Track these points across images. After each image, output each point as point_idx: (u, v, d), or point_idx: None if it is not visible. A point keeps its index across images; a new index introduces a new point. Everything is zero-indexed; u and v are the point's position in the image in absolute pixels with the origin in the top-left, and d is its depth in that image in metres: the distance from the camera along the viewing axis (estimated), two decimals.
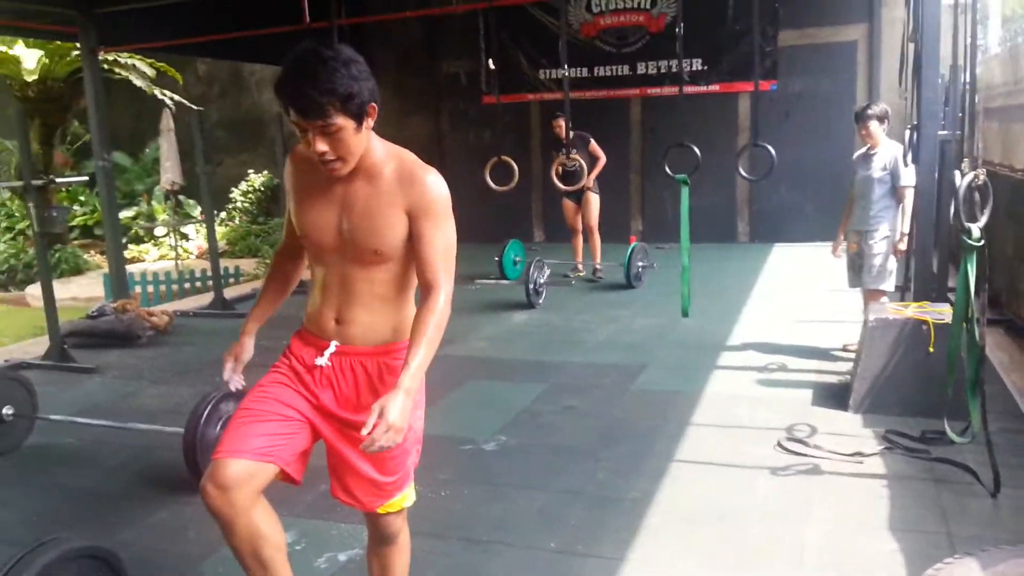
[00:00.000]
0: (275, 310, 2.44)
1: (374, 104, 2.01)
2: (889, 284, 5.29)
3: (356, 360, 2.17)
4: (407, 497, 2.29)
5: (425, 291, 2.06)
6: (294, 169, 2.19)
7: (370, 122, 2.02)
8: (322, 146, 1.95)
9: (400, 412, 1.88)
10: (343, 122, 1.94)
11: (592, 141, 8.32)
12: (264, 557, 2.10)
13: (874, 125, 5.25)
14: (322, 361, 2.16)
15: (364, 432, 1.86)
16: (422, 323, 2.01)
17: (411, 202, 2.06)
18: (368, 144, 2.05)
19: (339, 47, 1.98)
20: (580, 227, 8.56)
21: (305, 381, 2.20)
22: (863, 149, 5.41)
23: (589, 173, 7.92)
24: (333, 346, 2.17)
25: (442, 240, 2.08)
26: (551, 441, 4.26)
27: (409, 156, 2.12)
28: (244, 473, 2.04)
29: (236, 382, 2.36)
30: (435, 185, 2.07)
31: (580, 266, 8.79)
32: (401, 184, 2.06)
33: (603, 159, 8.38)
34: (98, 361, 6.18)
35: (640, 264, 8.31)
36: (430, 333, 2.00)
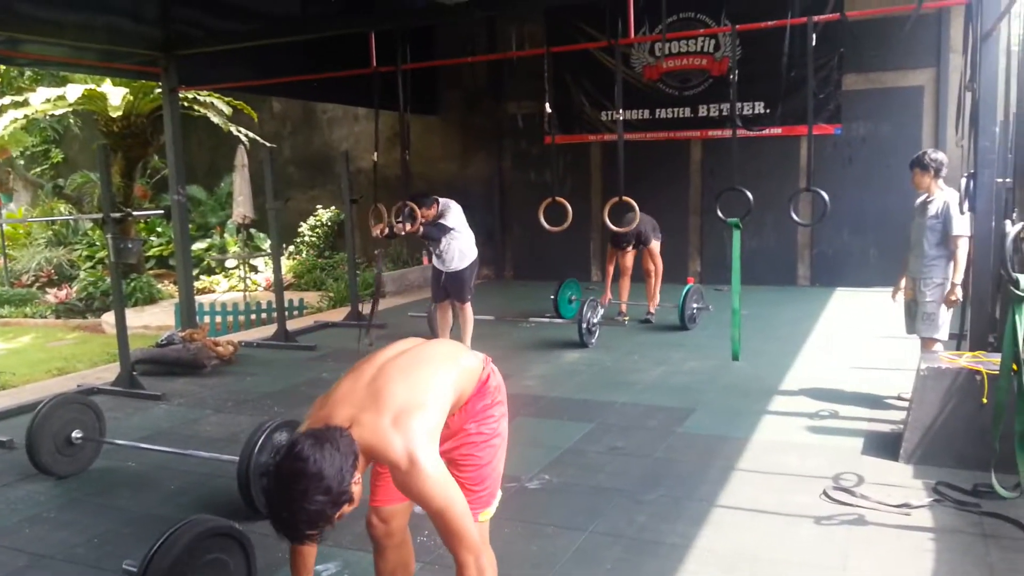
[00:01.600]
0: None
1: (346, 493, 2.10)
2: (941, 333, 5.21)
3: None
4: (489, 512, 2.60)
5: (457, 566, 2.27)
6: None
7: (356, 488, 2.13)
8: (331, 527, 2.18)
9: None
10: (323, 531, 2.13)
11: (654, 240, 8.43)
12: None
13: (917, 174, 5.26)
14: None
15: None
16: None
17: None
18: (364, 465, 2.22)
19: (296, 480, 2.06)
20: (630, 269, 8.60)
21: None
22: (921, 196, 5.37)
23: (646, 235, 8.20)
24: None
25: (445, 523, 2.21)
26: (594, 481, 4.30)
27: (392, 466, 2.23)
28: (397, 509, 2.61)
29: None
30: (421, 490, 2.18)
31: (624, 307, 8.78)
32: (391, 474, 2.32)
33: (660, 266, 8.56)
34: (164, 388, 6.44)
35: (695, 306, 8.30)
36: None
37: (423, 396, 2.33)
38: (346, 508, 2.14)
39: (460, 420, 2.54)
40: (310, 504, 2.05)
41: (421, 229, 6.81)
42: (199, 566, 2.79)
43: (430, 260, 7.30)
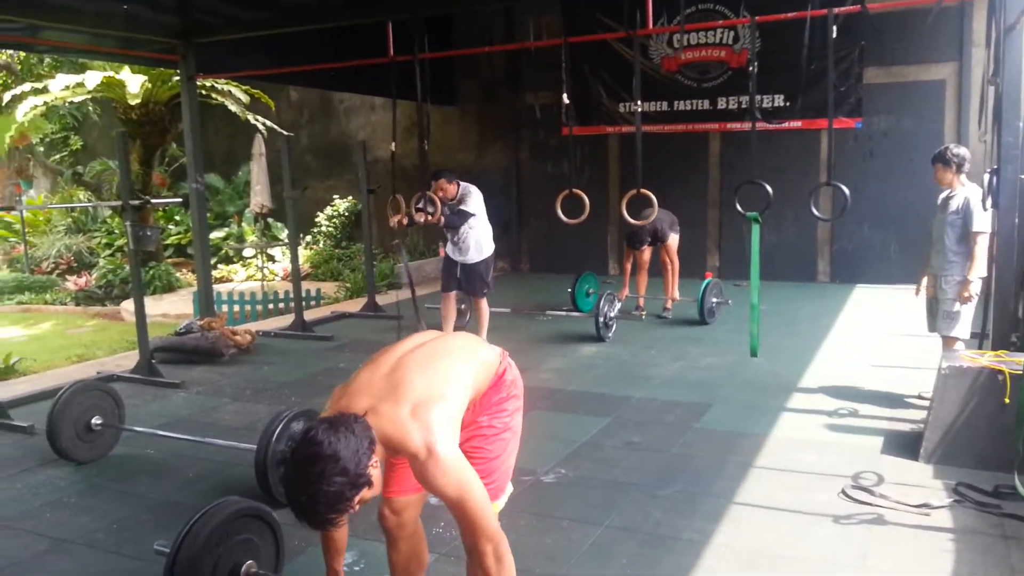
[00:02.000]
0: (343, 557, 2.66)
1: (366, 476, 2.13)
2: (961, 331, 5.14)
3: None
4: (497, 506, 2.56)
5: (469, 555, 2.32)
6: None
7: (374, 472, 2.17)
8: (353, 511, 2.22)
9: None
10: (346, 515, 2.18)
11: (671, 235, 8.39)
12: (411, 570, 2.70)
13: (939, 169, 5.20)
14: None
15: None
16: None
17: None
18: (382, 452, 2.24)
19: (314, 463, 2.09)
20: (647, 264, 8.56)
21: None
22: (944, 192, 5.31)
23: (663, 231, 8.21)
24: None
25: (464, 512, 2.23)
26: (610, 476, 4.29)
27: (411, 456, 2.23)
28: (410, 502, 2.62)
29: None
30: (439, 479, 2.19)
31: (642, 301, 8.73)
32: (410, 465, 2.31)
33: (676, 263, 8.52)
34: (183, 376, 6.48)
35: (714, 300, 8.27)
36: None
37: (442, 387, 2.35)
38: (366, 493, 2.15)
39: (474, 413, 2.55)
40: (328, 486, 2.07)
41: (443, 220, 6.76)
42: (230, 546, 2.83)
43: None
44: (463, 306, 7.87)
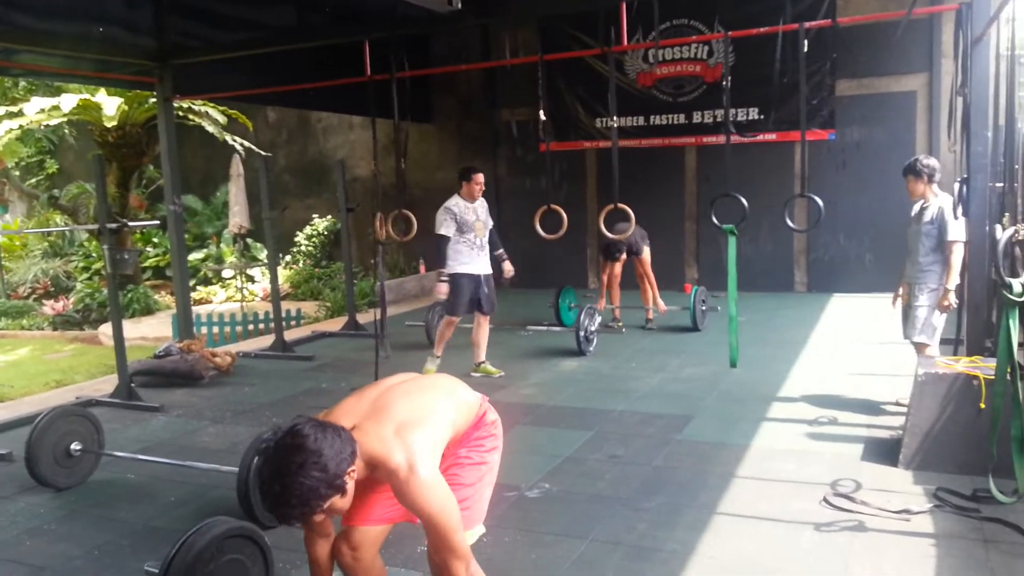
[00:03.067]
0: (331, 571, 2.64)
1: (343, 477, 2.17)
2: (932, 337, 5.21)
3: None
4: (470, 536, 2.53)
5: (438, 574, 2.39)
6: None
7: (349, 481, 2.20)
8: (321, 529, 2.42)
9: None
10: (320, 513, 2.19)
11: (645, 248, 8.45)
12: None
13: (911, 181, 5.27)
14: None
15: None
16: None
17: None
18: (361, 468, 2.26)
19: (291, 455, 2.12)
20: (619, 277, 8.61)
21: None
22: (918, 202, 5.38)
23: (638, 245, 8.25)
24: None
25: (438, 531, 2.27)
26: (593, 489, 4.30)
27: (390, 473, 2.26)
28: (369, 537, 2.53)
29: None
30: (418, 496, 2.22)
31: (618, 312, 8.78)
32: (395, 494, 2.32)
33: (651, 275, 8.58)
34: (162, 400, 6.43)
35: (703, 308, 8.41)
36: None
37: (425, 415, 2.39)
38: (337, 500, 2.17)
39: (454, 447, 2.58)
40: (305, 479, 2.07)
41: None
42: (218, 566, 2.83)
43: (429, 269, 7.21)
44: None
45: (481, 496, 2.64)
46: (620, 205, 5.91)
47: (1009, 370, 3.56)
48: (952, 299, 5.08)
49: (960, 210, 4.81)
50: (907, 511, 3.81)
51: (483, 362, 6.88)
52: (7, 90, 14.59)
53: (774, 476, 4.39)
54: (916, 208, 5.39)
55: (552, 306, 8.86)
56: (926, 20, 9.67)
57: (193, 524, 2.91)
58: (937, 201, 5.21)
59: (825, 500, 4.01)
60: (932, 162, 5.29)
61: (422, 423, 2.34)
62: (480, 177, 6.60)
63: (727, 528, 3.77)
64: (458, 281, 6.57)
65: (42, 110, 12.32)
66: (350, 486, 2.20)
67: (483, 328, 6.85)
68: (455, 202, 6.59)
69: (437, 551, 2.31)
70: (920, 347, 5.25)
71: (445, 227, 6.52)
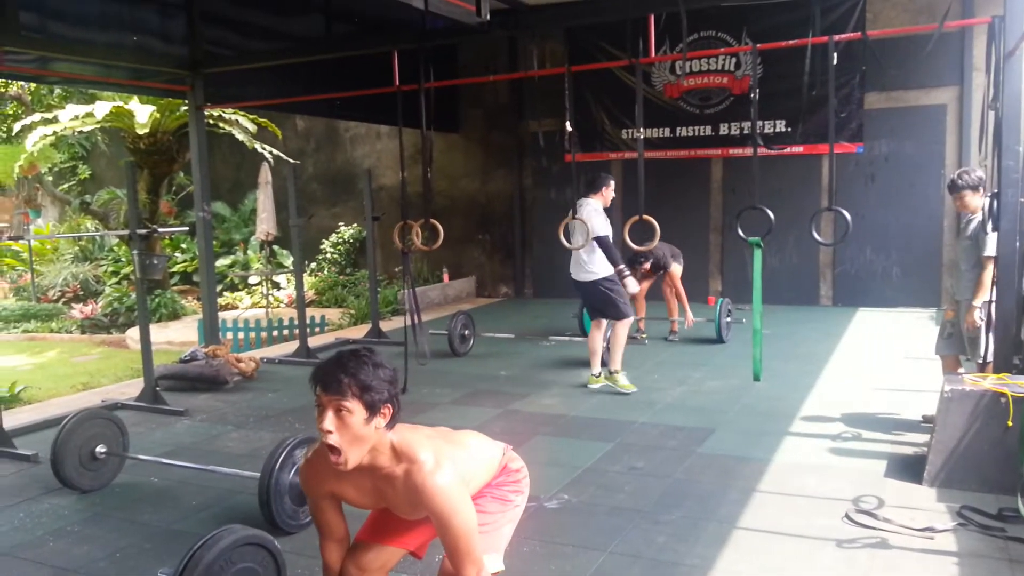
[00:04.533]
0: None
1: (391, 406, 2.24)
2: (988, 354, 5.06)
3: None
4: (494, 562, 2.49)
5: None
6: (317, 479, 2.42)
7: (381, 422, 2.23)
8: (329, 424, 2.17)
9: None
10: (355, 407, 2.17)
11: (675, 264, 8.39)
12: None
13: (968, 195, 5.17)
14: None
15: None
16: None
17: (425, 510, 2.27)
18: (379, 444, 2.26)
19: (374, 353, 2.27)
20: (644, 289, 8.57)
21: None
22: (966, 216, 5.32)
23: (666, 260, 8.27)
24: None
25: (455, 534, 2.25)
26: (613, 501, 4.28)
27: (415, 465, 2.26)
28: (379, 559, 2.53)
29: None
30: (438, 492, 2.22)
31: (642, 324, 8.74)
32: (410, 494, 2.27)
33: (681, 290, 8.50)
34: (187, 404, 6.49)
35: (728, 319, 8.39)
36: None
37: (459, 445, 2.47)
38: (384, 414, 2.21)
39: (477, 495, 2.55)
40: (379, 369, 2.20)
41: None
42: (231, 575, 2.84)
43: (453, 277, 7.22)
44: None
45: (499, 527, 2.58)
46: (645, 216, 5.89)
47: None
48: (977, 316, 4.99)
49: (990, 225, 4.75)
50: (931, 529, 3.76)
51: (616, 371, 6.67)
52: (43, 97, 14.86)
53: (796, 491, 4.35)
54: (964, 221, 5.33)
55: (576, 316, 8.84)
56: (957, 33, 9.58)
57: (214, 528, 2.94)
58: (979, 216, 5.15)
59: (847, 516, 3.97)
60: (979, 174, 5.22)
61: (455, 448, 2.41)
62: (613, 183, 6.84)
63: (748, 543, 3.74)
64: (616, 280, 6.64)
65: (76, 117, 12.54)
66: (377, 423, 2.21)
67: (613, 336, 6.75)
68: (599, 205, 6.63)
69: (450, 556, 2.29)
70: (985, 367, 4.96)
71: (607, 226, 6.60)
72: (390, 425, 2.25)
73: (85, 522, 4.23)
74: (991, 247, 4.94)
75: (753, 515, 4.05)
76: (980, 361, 5.09)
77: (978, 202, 5.16)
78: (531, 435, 5.46)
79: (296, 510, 3.99)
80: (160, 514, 4.32)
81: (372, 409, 2.17)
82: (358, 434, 2.18)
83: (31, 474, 4.97)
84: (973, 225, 5.16)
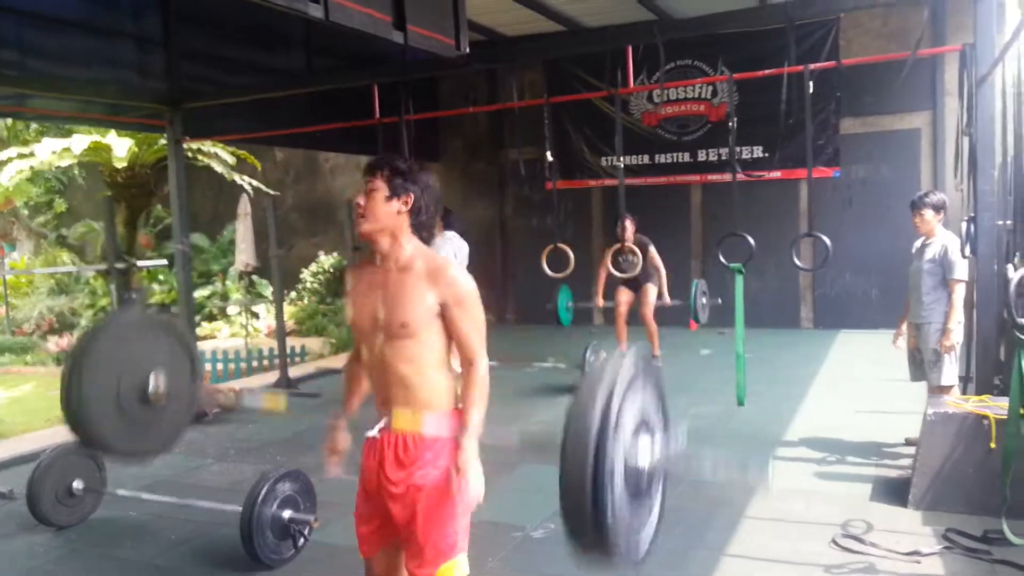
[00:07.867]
0: (360, 402, 2.85)
1: (412, 196, 2.47)
2: (949, 378, 5.06)
3: (396, 435, 2.49)
4: (459, 564, 2.51)
5: (466, 365, 2.50)
6: (351, 279, 2.66)
7: (403, 208, 2.47)
8: (360, 199, 2.48)
9: (474, 470, 2.43)
10: (380, 186, 2.45)
11: (652, 248, 8.40)
12: None
13: (929, 214, 5.20)
14: (372, 433, 2.54)
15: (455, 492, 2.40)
16: (470, 389, 2.48)
17: (441, 293, 2.43)
18: (397, 231, 2.49)
19: (425, 168, 2.55)
20: (627, 314, 8.56)
21: (370, 493, 2.56)
22: (920, 239, 5.35)
23: (645, 276, 8.21)
24: (383, 421, 2.50)
25: (473, 322, 2.48)
26: None
27: (438, 256, 2.55)
28: (391, 564, 2.61)
29: (336, 472, 2.73)
30: (462, 279, 2.46)
31: (623, 347, 8.73)
32: (430, 276, 2.44)
33: (662, 269, 8.50)
34: None
35: (703, 301, 8.35)
36: (479, 397, 2.47)
37: None
38: (406, 199, 2.45)
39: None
40: (418, 173, 2.48)
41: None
42: None
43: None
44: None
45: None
46: (627, 244, 5.93)
47: (1022, 412, 3.52)
48: (953, 338, 5.00)
49: (967, 249, 4.79)
50: (917, 552, 3.76)
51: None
52: (19, 132, 14.76)
53: (783, 517, 4.34)
54: (918, 244, 5.35)
55: (552, 305, 8.80)
56: (928, 59, 9.74)
57: (194, 563, 2.88)
58: (940, 239, 5.16)
59: (834, 542, 3.96)
60: (942, 196, 5.27)
61: None
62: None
63: (736, 570, 3.72)
64: None
65: (53, 152, 12.41)
66: (399, 209, 2.44)
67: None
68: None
69: (465, 343, 2.47)
70: (942, 389, 5.01)
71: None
72: (414, 222, 2.48)
73: (61, 559, 4.15)
74: (961, 271, 4.97)
75: (741, 542, 4.03)
76: (937, 385, 5.07)
77: (934, 225, 5.19)
78: (516, 464, 5.41)
79: (279, 544, 3.92)
80: (139, 550, 4.24)
81: (393, 191, 2.44)
82: (377, 209, 2.45)
83: (6, 511, 4.87)
84: (933, 249, 5.16)
